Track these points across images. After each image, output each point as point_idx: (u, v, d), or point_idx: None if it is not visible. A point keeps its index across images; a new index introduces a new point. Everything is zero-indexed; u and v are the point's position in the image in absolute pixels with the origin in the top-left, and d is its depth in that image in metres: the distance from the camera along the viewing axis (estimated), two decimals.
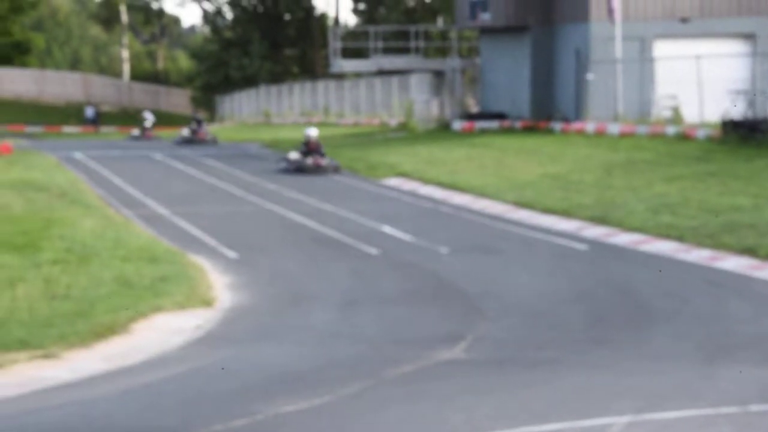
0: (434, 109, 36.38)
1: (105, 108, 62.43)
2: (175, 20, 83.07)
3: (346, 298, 12.11)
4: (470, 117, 33.01)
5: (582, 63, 29.17)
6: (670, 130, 25.42)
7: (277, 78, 57.80)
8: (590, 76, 28.97)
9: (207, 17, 64.76)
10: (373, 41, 35.77)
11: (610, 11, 27.84)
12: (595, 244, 15.45)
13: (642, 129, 26.25)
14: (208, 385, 8.53)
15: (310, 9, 61.12)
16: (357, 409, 7.72)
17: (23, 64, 65.29)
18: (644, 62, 28.50)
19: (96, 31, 78.55)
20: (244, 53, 59.14)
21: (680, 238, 15.15)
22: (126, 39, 72.03)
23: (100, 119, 55.96)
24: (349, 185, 23.12)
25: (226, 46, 60.49)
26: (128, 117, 62.48)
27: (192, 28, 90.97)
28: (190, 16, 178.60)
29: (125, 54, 71.66)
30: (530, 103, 30.97)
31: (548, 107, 30.51)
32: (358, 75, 45.09)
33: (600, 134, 27.18)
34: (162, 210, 19.30)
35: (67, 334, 9.87)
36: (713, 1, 29.28)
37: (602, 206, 17.95)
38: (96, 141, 41.07)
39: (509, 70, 32.09)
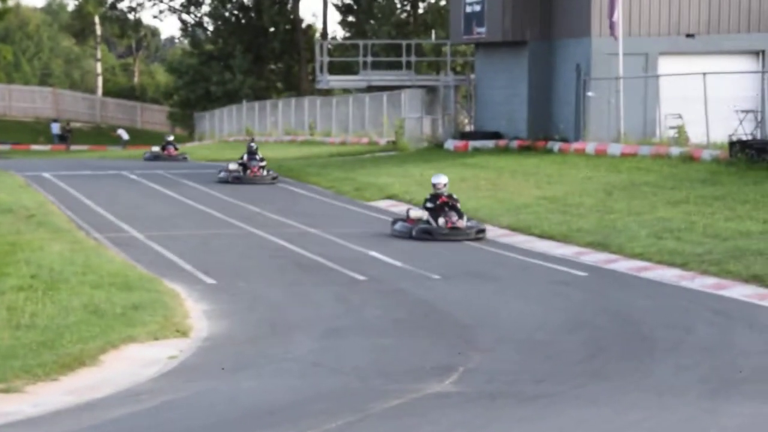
0: (426, 128, 36.50)
1: (77, 125, 62.40)
2: (153, 32, 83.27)
3: (331, 327, 12.10)
4: (464, 136, 33.10)
5: (582, 80, 29.31)
6: (675, 150, 25.53)
7: (260, 94, 57.91)
8: (591, 94, 29.10)
9: (186, 29, 64.96)
10: (363, 56, 35.90)
11: (612, 26, 28.00)
12: (595, 271, 15.48)
13: (645, 150, 26.36)
14: (182, 421, 8.50)
15: (296, 21, 61.32)
16: None
17: None
18: (648, 79, 28.65)
19: (68, 43, 78.62)
20: (226, 67, 59.24)
21: (684, 265, 15.20)
22: (100, 52, 72.11)
23: (71, 136, 55.94)
24: (336, 207, 23.14)
25: (207, 59, 60.59)
26: (101, 134, 62.47)
27: (171, 41, 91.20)
28: (169, 28, 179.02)
29: (99, 68, 71.71)
30: (527, 122, 31.07)
31: (546, 126, 30.60)
32: (346, 91, 45.24)
33: (601, 155, 27.28)
34: (136, 233, 19.28)
35: (32, 366, 9.82)
36: (720, 16, 29.49)
37: (602, 231, 18.00)
38: (67, 160, 41.07)
39: (505, 87, 32.21)
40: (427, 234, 18.10)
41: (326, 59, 35.67)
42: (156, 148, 39.12)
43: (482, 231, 18.36)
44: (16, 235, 17.72)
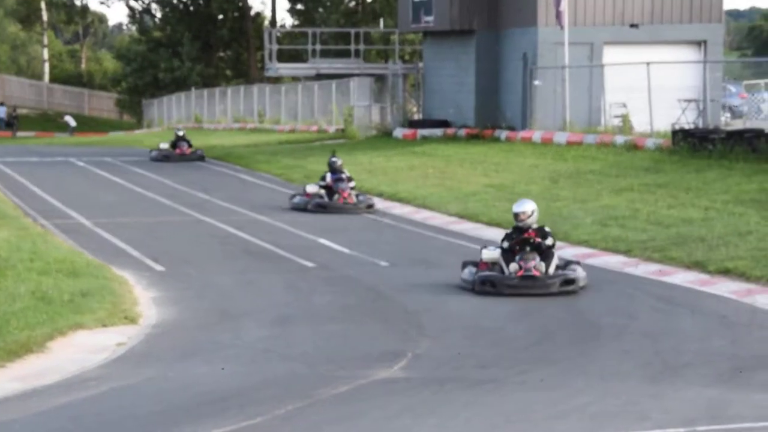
0: (375, 116, 36.47)
1: (23, 111, 61.59)
2: (100, 19, 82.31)
3: (280, 314, 12.08)
4: (413, 124, 33.13)
5: (529, 69, 29.46)
6: (619, 139, 25.76)
7: (209, 81, 57.50)
8: (537, 83, 29.26)
9: (134, 16, 64.29)
10: (312, 44, 35.77)
11: (558, 15, 28.16)
12: None
13: (590, 138, 26.56)
14: (130, 407, 8.45)
15: (245, 8, 60.94)
16: (289, 430, 7.70)
17: None
18: (593, 69, 28.85)
19: (14, 29, 77.50)
20: (174, 54, 58.75)
21: (628, 252, 15.35)
22: (47, 38, 71.18)
23: (17, 123, 55.19)
24: (286, 195, 23.06)
25: (155, 46, 60.04)
26: (48, 121, 61.72)
27: (118, 28, 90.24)
28: (116, 15, 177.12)
29: (46, 54, 70.81)
30: (475, 111, 31.18)
31: (494, 115, 30.74)
32: (295, 79, 45.05)
33: (547, 143, 27.46)
34: (83, 220, 19.09)
35: None
36: (663, 6, 29.77)
37: (548, 218, 18.11)
38: (13, 146, 40.52)
39: (453, 76, 32.29)
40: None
41: (275, 47, 35.50)
42: (164, 145, 30.13)
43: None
44: None
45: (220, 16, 60.68)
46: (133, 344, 10.71)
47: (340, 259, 15.47)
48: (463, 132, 30.96)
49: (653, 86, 25.98)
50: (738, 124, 27.34)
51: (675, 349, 10.40)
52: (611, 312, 12.05)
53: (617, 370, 9.63)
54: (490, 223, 18.38)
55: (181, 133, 30.34)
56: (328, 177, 20.41)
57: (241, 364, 9.92)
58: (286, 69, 37.86)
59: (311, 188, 20.07)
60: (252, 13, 61.87)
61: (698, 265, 14.15)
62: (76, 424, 7.94)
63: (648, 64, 26.14)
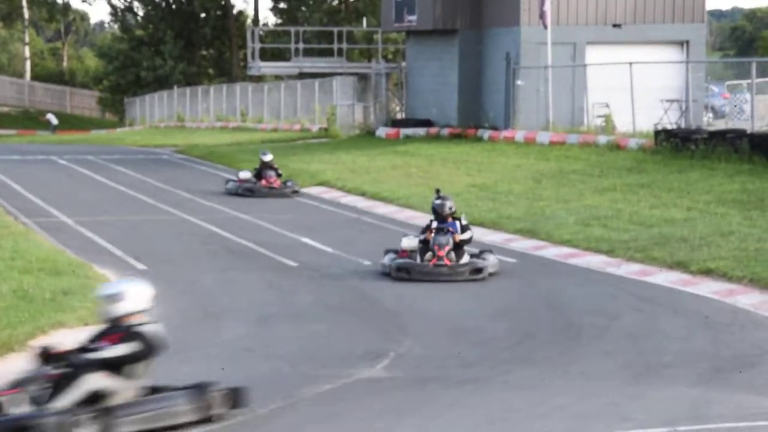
0: (358, 115, 36.45)
1: (5, 109, 61.32)
2: (82, 17, 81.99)
3: (262, 313, 12.07)
4: (395, 123, 33.14)
5: (512, 68, 29.50)
6: (602, 139, 25.82)
7: (191, 80, 57.35)
8: (520, 83, 29.31)
9: (116, 14, 64.05)
10: (294, 42, 35.72)
11: (542, 15, 28.21)
12: (524, 257, 15.62)
13: (573, 138, 26.62)
14: None
15: (228, 7, 60.82)
16: (271, 430, 7.70)
17: None
18: (576, 68, 28.92)
19: None
20: (156, 53, 58.59)
21: (610, 252, 15.40)
22: (28, 36, 70.86)
23: None
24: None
25: (137, 45, 59.87)
26: (30, 119, 61.46)
27: (100, 26, 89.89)
28: (98, 13, 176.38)
29: (27, 52, 70.49)
30: (458, 110, 31.20)
31: (477, 114, 30.77)
32: (278, 78, 44.99)
33: (530, 143, 27.51)
34: (65, 218, 19.02)
35: None
36: (646, 6, 29.86)
37: (531, 218, 18.17)
38: None
39: (436, 75, 32.30)
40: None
41: (258, 46, 35.43)
42: (245, 174, 22.93)
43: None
44: None
45: (203, 15, 60.55)
46: None
47: (323, 258, 15.46)
48: (446, 131, 30.98)
49: (636, 86, 26.06)
50: (720, 125, 27.43)
51: (657, 349, 10.44)
52: (593, 312, 12.08)
53: (599, 370, 9.66)
54: (472, 223, 18.36)
55: (267, 158, 22.69)
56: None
57: (223, 363, 9.90)
58: (268, 68, 37.78)
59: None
60: (235, 11, 61.75)
61: (680, 265, 14.21)
62: None
63: (631, 64, 26.22)
